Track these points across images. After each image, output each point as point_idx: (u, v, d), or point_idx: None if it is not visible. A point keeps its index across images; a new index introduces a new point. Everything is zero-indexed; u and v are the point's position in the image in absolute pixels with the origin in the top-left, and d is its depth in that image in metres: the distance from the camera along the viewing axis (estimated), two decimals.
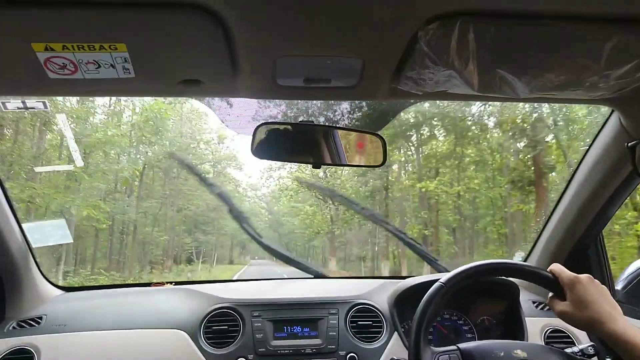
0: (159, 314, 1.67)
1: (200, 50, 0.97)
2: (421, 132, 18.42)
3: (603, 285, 1.07)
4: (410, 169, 20.49)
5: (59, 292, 1.89)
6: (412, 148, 19.60)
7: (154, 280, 2.06)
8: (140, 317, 1.65)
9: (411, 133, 18.41)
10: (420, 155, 19.08)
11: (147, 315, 1.66)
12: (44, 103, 1.79)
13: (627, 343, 0.96)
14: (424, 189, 17.80)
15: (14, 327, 1.58)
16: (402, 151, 19.82)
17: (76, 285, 2.03)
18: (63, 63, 0.96)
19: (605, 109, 1.42)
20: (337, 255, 27.08)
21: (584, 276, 1.07)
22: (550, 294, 1.13)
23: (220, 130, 22.58)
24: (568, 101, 1.38)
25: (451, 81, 1.05)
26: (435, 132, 17.88)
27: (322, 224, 27.49)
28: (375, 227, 21.87)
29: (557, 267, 1.12)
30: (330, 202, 24.13)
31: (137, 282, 2.12)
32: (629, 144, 0.64)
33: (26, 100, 1.72)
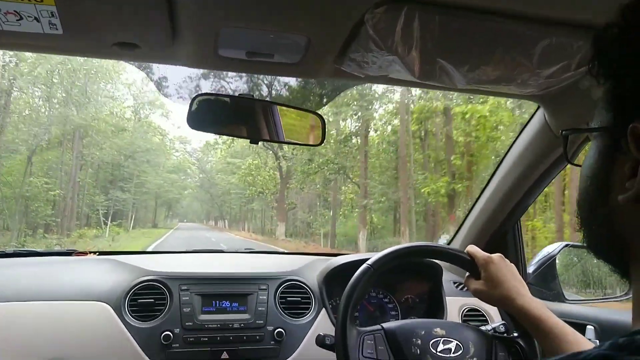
0: (80, 285, 1.59)
1: (138, 12, 0.91)
2: None
3: (512, 264, 1.15)
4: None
5: None
6: None
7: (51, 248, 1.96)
8: (59, 288, 1.56)
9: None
10: None
11: (68, 286, 1.58)
12: None
13: (532, 317, 1.04)
14: (467, 115, 11.67)
15: None
16: None
17: None
18: None
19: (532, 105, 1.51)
20: (287, 221, 24.97)
21: (496, 256, 1.14)
22: (467, 274, 1.20)
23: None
24: (500, 95, 1.44)
25: (393, 66, 1.07)
26: None
27: (267, 181, 25.46)
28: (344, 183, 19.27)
29: (472, 249, 1.19)
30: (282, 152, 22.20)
31: (56, 250, 1.99)
32: (563, 132, 0.69)
33: None
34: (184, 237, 26.78)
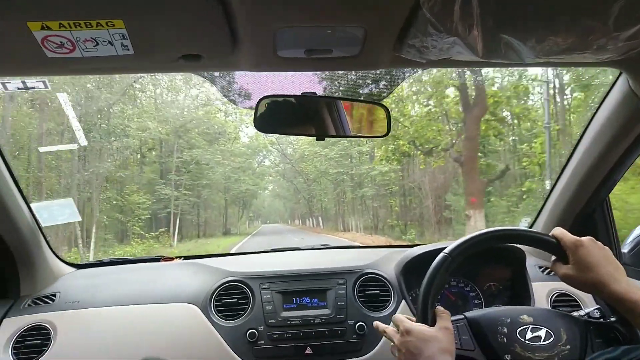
0: (170, 288, 1.70)
1: (198, 24, 0.96)
2: None
3: (606, 247, 1.07)
4: None
5: (71, 269, 1.92)
6: None
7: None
8: (151, 292, 1.68)
9: None
10: None
11: (159, 290, 1.69)
12: (44, 82, 1.78)
13: (629, 302, 0.97)
14: None
15: (29, 305, 1.62)
16: None
17: (87, 262, 2.09)
18: (60, 42, 0.95)
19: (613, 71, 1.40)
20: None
21: (586, 239, 1.07)
22: (553, 258, 1.13)
23: None
24: (574, 64, 1.35)
25: (455, 48, 1.03)
26: None
27: (423, 127, 14.37)
28: None
29: (559, 231, 1.12)
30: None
31: (146, 257, 2.14)
32: None
33: (26, 81, 1.71)
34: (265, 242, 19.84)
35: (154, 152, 19.35)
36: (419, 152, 14.55)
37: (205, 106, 21.01)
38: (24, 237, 1.59)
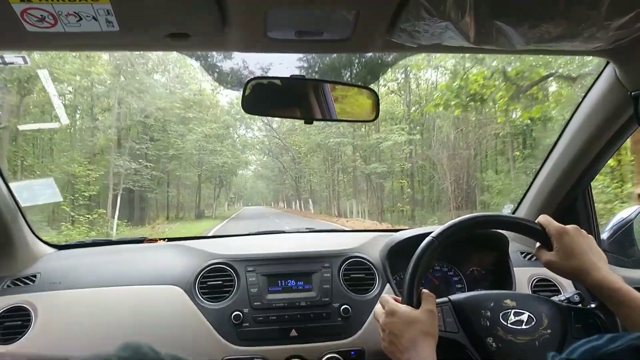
0: (154, 270, 1.68)
1: (187, 2, 0.93)
2: None
3: (590, 236, 1.10)
4: None
5: (52, 250, 1.89)
6: None
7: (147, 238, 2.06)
8: (135, 274, 1.66)
9: None
10: None
11: (142, 271, 1.68)
12: (24, 58, 1.72)
13: (609, 289, 0.99)
14: None
15: (8, 286, 1.59)
16: None
17: (69, 243, 2.06)
18: (41, 15, 0.92)
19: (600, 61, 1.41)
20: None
21: (571, 227, 1.09)
22: (538, 244, 1.15)
23: None
24: (563, 53, 1.36)
25: (447, 33, 1.03)
26: None
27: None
28: None
29: (544, 219, 1.14)
30: None
31: (129, 238, 2.12)
32: (632, 93, 0.63)
33: (4, 56, 1.66)
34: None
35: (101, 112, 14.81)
36: (510, 89, 8.30)
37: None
38: (3, 217, 1.56)
